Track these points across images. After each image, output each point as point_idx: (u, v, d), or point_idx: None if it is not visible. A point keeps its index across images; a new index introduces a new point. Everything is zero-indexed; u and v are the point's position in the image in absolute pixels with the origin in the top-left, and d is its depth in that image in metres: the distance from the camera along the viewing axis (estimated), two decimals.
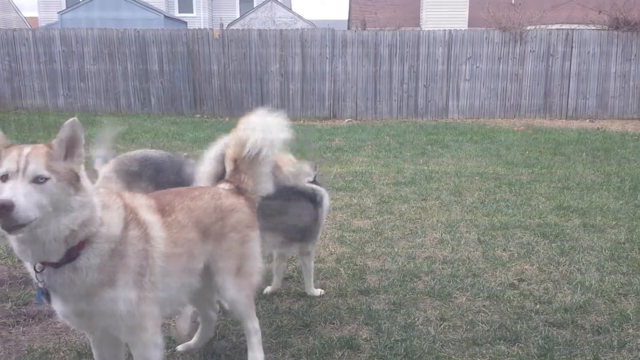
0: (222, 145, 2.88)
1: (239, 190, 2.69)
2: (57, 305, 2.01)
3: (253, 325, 2.69)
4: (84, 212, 1.92)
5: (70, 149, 1.93)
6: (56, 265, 1.91)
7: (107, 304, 1.99)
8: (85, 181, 1.96)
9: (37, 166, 1.82)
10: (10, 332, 3.08)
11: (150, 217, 2.18)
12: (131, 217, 2.10)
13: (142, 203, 2.22)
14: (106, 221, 2.00)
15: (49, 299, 1.97)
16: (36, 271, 1.93)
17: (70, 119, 1.93)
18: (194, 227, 2.36)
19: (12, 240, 1.86)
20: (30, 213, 1.75)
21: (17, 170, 1.80)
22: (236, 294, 2.59)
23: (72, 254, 1.92)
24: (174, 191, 2.50)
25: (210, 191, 2.58)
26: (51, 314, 3.27)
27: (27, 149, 1.86)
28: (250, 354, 2.71)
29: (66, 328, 3.11)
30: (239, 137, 2.72)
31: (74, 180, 1.90)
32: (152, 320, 2.15)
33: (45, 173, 1.82)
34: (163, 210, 2.27)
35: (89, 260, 1.95)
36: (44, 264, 1.91)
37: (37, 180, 1.81)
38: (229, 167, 2.79)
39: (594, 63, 14.69)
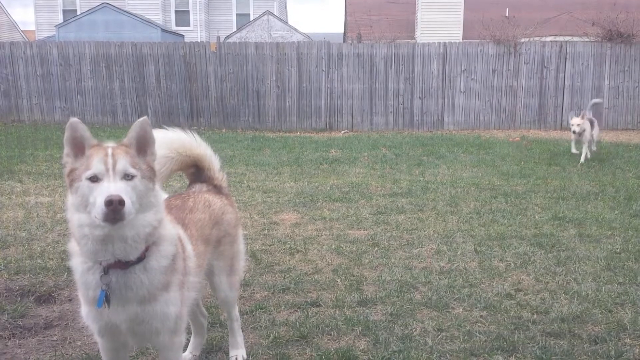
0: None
1: (216, 189, 2.76)
2: (112, 311, 1.98)
3: (235, 314, 2.89)
4: (160, 209, 1.98)
5: (142, 146, 1.98)
6: (124, 267, 1.94)
7: (163, 307, 2.03)
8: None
9: (125, 164, 1.86)
10: (7, 345, 3.05)
11: (180, 232, 2.24)
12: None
13: (169, 217, 2.26)
14: (167, 224, 2.06)
15: (109, 303, 1.95)
16: (104, 272, 1.92)
17: (141, 118, 2.00)
18: (200, 239, 2.42)
19: (91, 240, 1.87)
20: (132, 209, 1.82)
21: (107, 170, 1.83)
22: (229, 291, 2.75)
23: (141, 255, 1.96)
24: (172, 205, 2.48)
25: (200, 199, 2.60)
26: (48, 326, 3.27)
27: (110, 149, 1.89)
28: (231, 339, 2.91)
29: (63, 340, 3.10)
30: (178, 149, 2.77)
31: (152, 177, 1.96)
32: (185, 324, 2.24)
33: (133, 170, 1.87)
34: (184, 225, 2.34)
35: (159, 261, 2.00)
36: (114, 265, 1.92)
37: (126, 177, 1.86)
38: (189, 173, 2.83)
39: (587, 74, 14.85)
